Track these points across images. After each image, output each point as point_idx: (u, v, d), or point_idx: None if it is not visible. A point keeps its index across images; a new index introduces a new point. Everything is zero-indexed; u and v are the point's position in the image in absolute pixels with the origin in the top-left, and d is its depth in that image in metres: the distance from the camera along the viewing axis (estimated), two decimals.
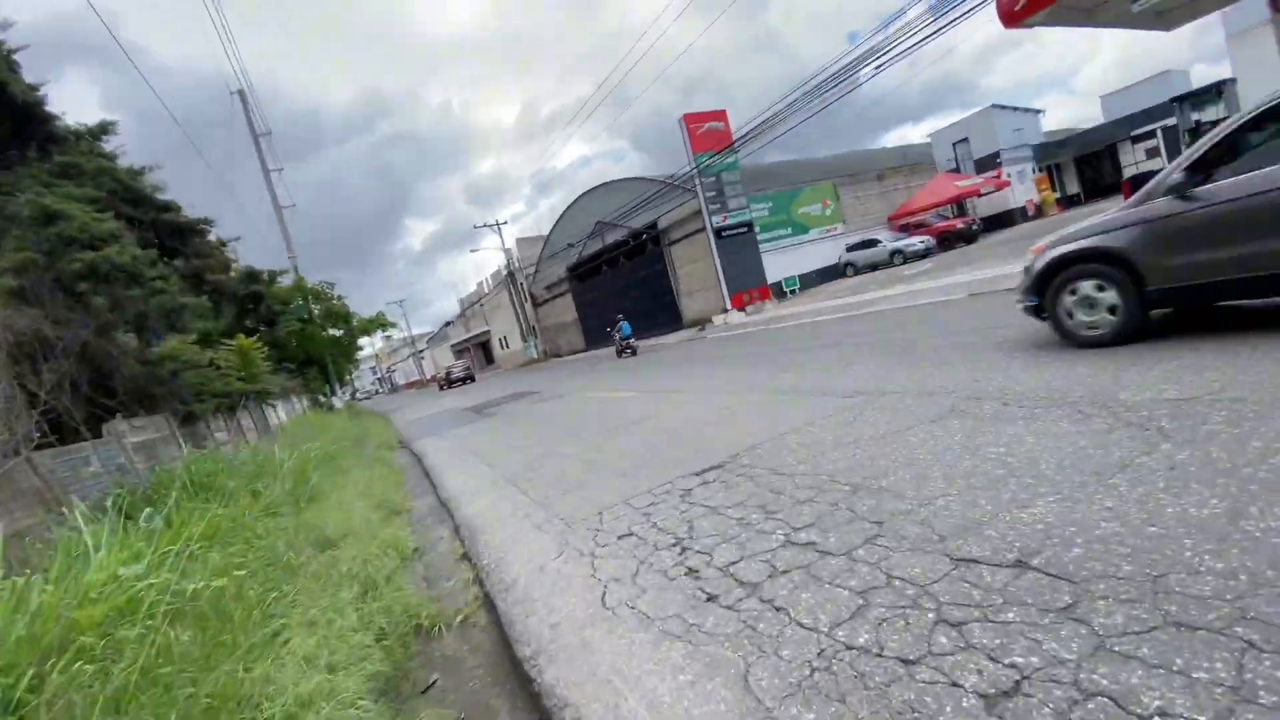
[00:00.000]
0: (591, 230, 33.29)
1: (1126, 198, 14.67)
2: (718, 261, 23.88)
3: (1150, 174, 18.40)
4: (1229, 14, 27.43)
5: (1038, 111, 31.55)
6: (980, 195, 28.45)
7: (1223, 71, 26.79)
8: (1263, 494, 2.16)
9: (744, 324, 20.48)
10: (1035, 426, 3.43)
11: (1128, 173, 29.03)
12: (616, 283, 33.10)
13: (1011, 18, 13.92)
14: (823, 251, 27.60)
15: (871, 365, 6.73)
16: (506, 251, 39.66)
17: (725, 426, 5.57)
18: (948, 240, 24.95)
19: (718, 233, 23.79)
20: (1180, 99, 14.22)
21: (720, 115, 23.80)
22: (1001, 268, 13.33)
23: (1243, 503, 2.14)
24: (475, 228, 41.82)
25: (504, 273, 40.84)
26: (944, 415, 4.12)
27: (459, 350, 60.08)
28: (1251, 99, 14.55)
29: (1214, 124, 13.97)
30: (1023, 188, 29.76)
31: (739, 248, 24.14)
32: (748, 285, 24.23)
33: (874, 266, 25.26)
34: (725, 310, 23.80)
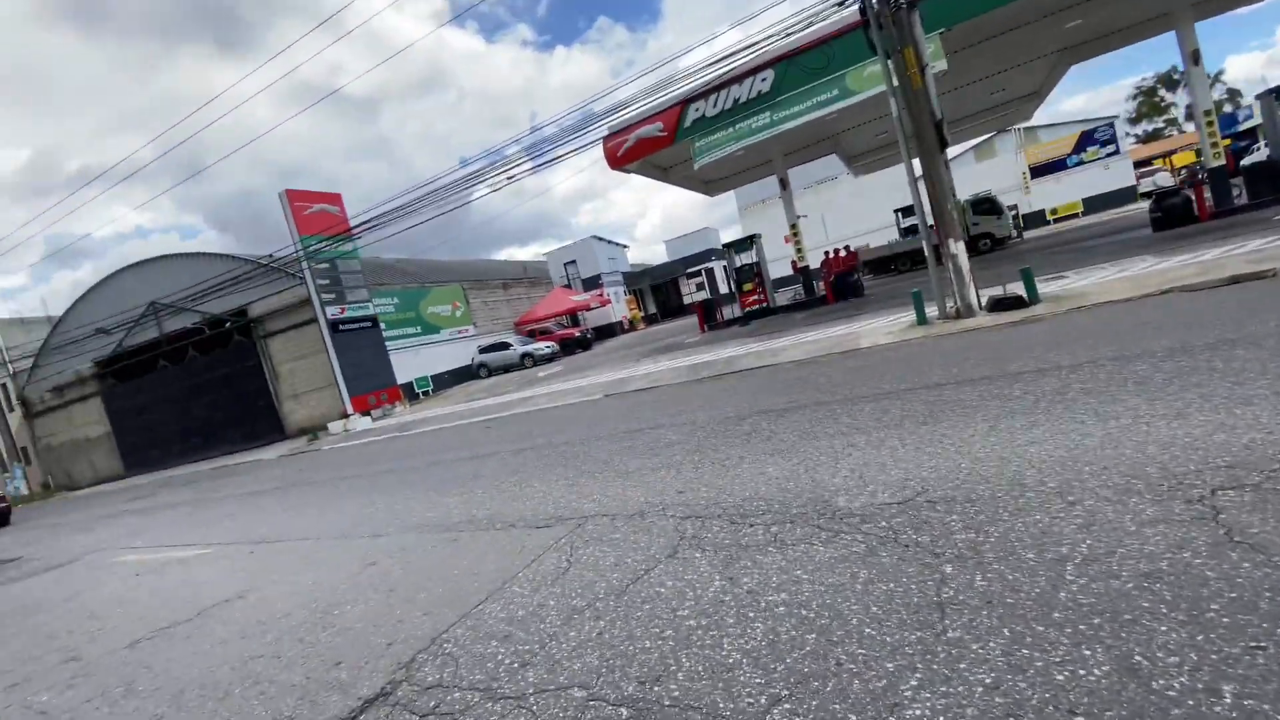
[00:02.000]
0: (143, 313, 24.96)
1: (700, 317, 18.15)
2: (334, 358, 20.43)
3: (706, 300, 23.92)
4: (740, 193, 39.67)
5: (624, 246, 38.73)
6: (590, 309, 32.51)
7: (734, 230, 37.85)
8: (1113, 626, 1.89)
9: (371, 430, 17.61)
10: (791, 555, 2.94)
11: (686, 300, 37.67)
12: (182, 382, 25.23)
13: (615, 161, 16.52)
14: (455, 353, 26.81)
15: (551, 478, 5.83)
16: None
17: (378, 603, 3.73)
18: (569, 346, 27.26)
19: (334, 326, 20.51)
20: (729, 245, 18.73)
21: (334, 198, 21.29)
22: (622, 371, 14.72)
23: (1127, 648, 1.81)
24: None
25: None
26: (678, 547, 3.38)
27: None
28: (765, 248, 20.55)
29: (751, 265, 18.95)
30: (619, 305, 35.39)
31: (361, 344, 21.25)
32: (373, 386, 21.32)
33: (507, 368, 25.61)
34: (346, 415, 20.25)
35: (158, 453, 25.80)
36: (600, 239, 35.66)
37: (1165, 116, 54.86)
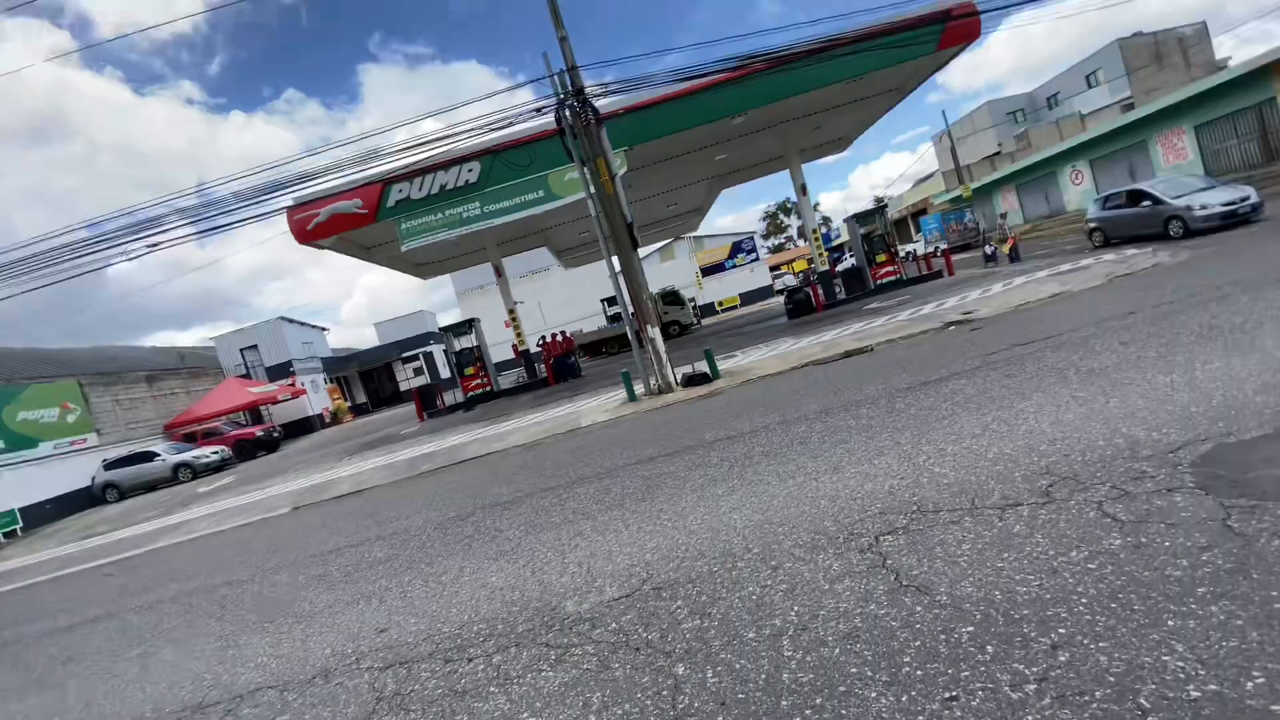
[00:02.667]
0: None
1: (417, 405, 16.76)
2: None
3: (425, 386, 22.39)
4: (457, 278, 38.85)
5: (323, 329, 34.40)
6: (279, 402, 27.54)
7: (454, 314, 36.84)
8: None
9: None
10: (517, 692, 2.47)
11: (403, 386, 34.85)
12: None
13: (305, 235, 14.65)
14: (65, 472, 19.61)
15: (195, 642, 4.25)
16: None
17: None
18: (248, 449, 22.38)
19: None
20: (446, 329, 17.99)
21: None
22: (319, 475, 12.50)
23: None
24: None
25: None
26: (372, 717, 2.60)
27: None
28: (486, 331, 20.24)
29: (472, 349, 18.36)
30: (318, 396, 30.83)
31: None
32: None
33: (152, 486, 19.64)
34: None
35: None
36: (290, 320, 30.99)
37: (785, 235, 73.26)
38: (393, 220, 14.50)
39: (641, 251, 32.04)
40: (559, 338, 20.82)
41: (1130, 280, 9.42)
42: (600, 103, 11.27)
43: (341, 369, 34.61)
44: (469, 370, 18.00)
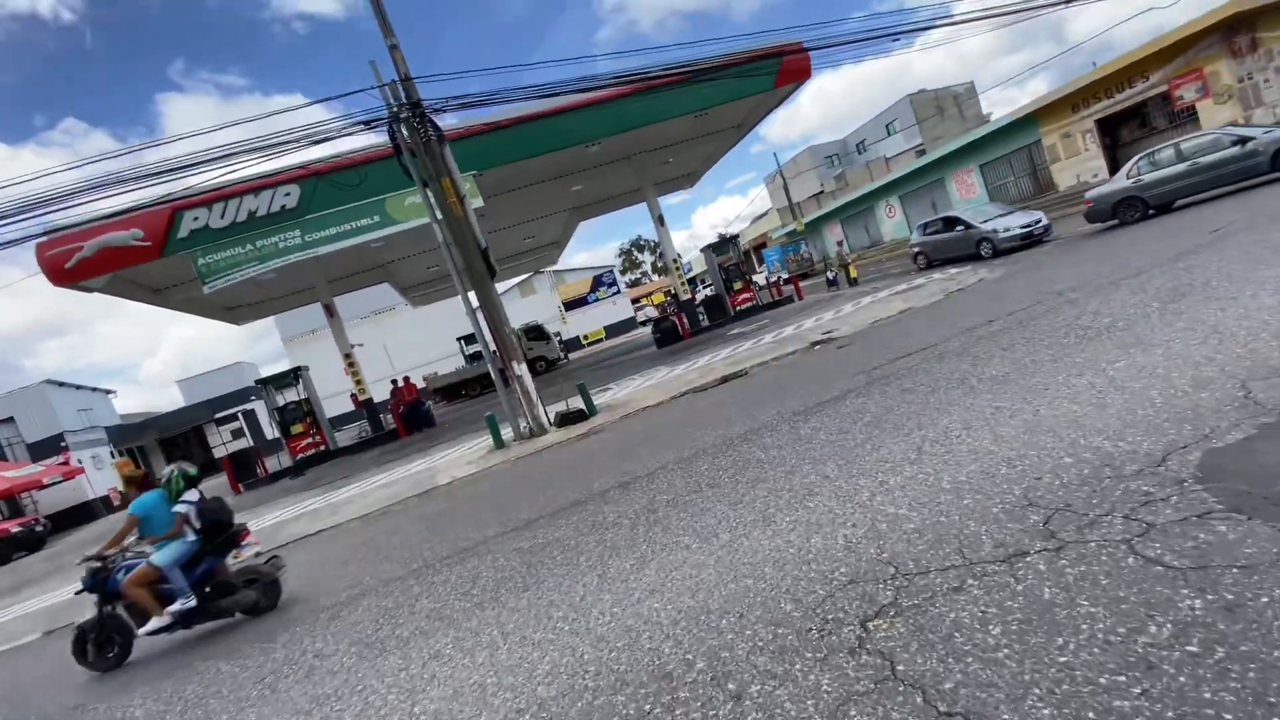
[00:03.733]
0: None
1: (230, 475, 13.79)
2: None
3: (242, 451, 18.83)
4: (283, 323, 34.04)
5: (108, 392, 28.24)
6: (44, 487, 21.73)
7: (282, 365, 32.28)
8: None
9: None
10: None
11: (217, 453, 29.46)
12: None
13: (62, 275, 11.51)
14: None
15: None
16: None
17: None
18: (2, 551, 17.12)
19: None
20: (265, 381, 15.19)
21: None
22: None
23: None
24: None
25: None
26: None
27: None
28: (315, 381, 17.47)
29: (298, 403, 15.62)
30: (100, 474, 24.96)
31: None
32: None
33: None
34: None
35: None
36: (61, 384, 24.91)
37: (640, 270, 75.21)
38: (187, 255, 11.89)
39: (500, 286, 30.56)
40: (403, 384, 18.62)
41: (965, 294, 10.09)
42: (444, 121, 10.08)
43: (135, 438, 28.52)
44: (296, 428, 15.26)
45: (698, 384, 9.58)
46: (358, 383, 16.42)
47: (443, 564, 4.61)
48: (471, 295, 10.03)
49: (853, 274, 17.70)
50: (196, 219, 11.68)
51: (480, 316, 10.03)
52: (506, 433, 9.89)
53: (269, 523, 9.73)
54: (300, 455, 15.49)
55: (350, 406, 20.33)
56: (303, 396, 15.42)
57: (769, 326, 14.26)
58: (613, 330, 38.63)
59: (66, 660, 5.28)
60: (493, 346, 10.20)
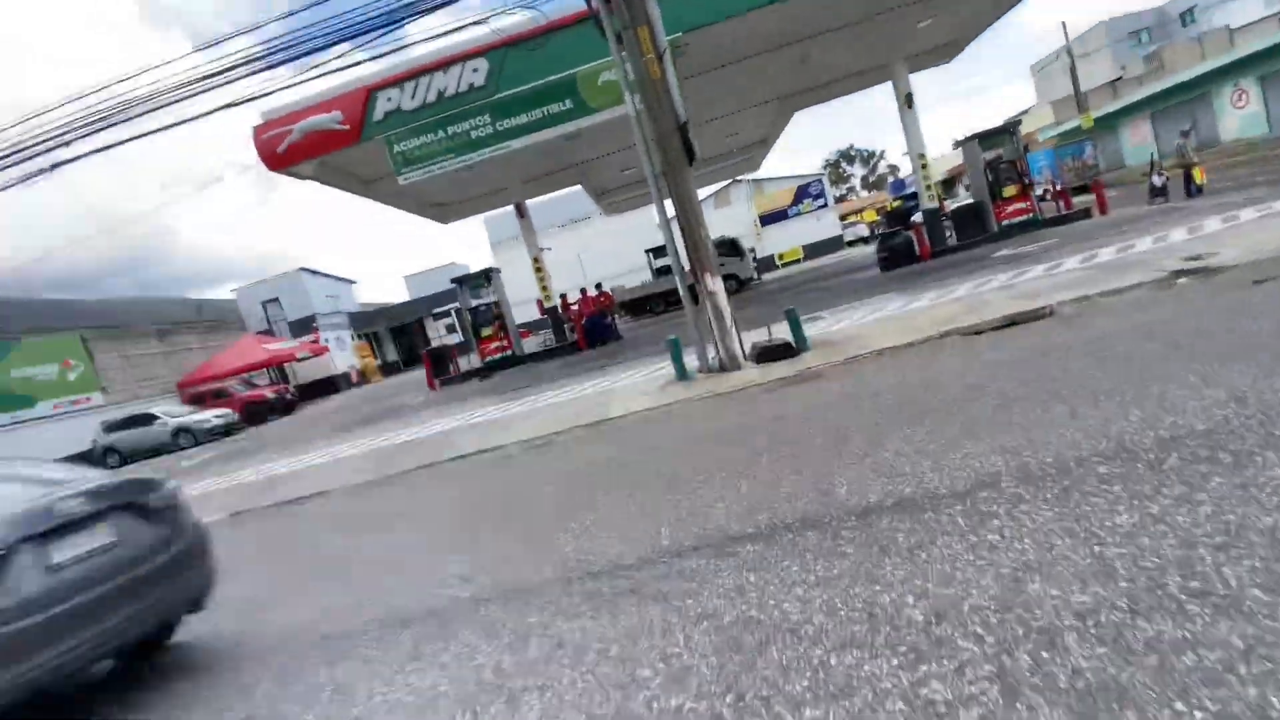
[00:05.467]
0: None
1: (428, 370, 14.05)
2: None
3: (439, 348, 19.82)
4: (492, 227, 36.10)
5: (351, 281, 32.35)
6: (299, 360, 25.74)
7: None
8: None
9: None
10: None
11: (436, 345, 32.72)
12: None
13: (276, 161, 11.84)
14: (69, 432, 18.15)
15: None
16: None
17: None
18: (258, 413, 20.52)
19: None
20: (460, 281, 15.17)
21: None
22: (298, 459, 10.01)
23: None
24: None
25: None
26: None
27: None
28: (507, 283, 17.34)
29: (489, 305, 15.52)
30: (343, 353, 28.97)
31: None
32: None
33: (155, 451, 17.99)
34: None
35: None
36: (313, 272, 28.93)
37: (847, 185, 67.11)
38: (383, 141, 11.52)
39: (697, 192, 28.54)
40: (592, 293, 17.64)
41: None
42: None
43: (370, 325, 32.70)
44: (486, 331, 15.18)
45: (964, 324, 6.65)
46: (543, 288, 15.79)
47: (557, 587, 2.87)
48: (663, 189, 8.01)
49: (1199, 179, 12.20)
50: (390, 99, 11.11)
51: (670, 221, 8.02)
52: (690, 360, 8.03)
53: (441, 429, 9.26)
54: (488, 358, 15.52)
55: (538, 314, 20.26)
56: (494, 299, 15.22)
57: (1061, 248, 10.30)
58: (813, 250, 34.52)
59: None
60: (684, 254, 8.19)
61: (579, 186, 21.87)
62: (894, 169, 60.35)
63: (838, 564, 2.40)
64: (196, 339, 24.73)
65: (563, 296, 17.01)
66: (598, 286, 15.69)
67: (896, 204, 29.73)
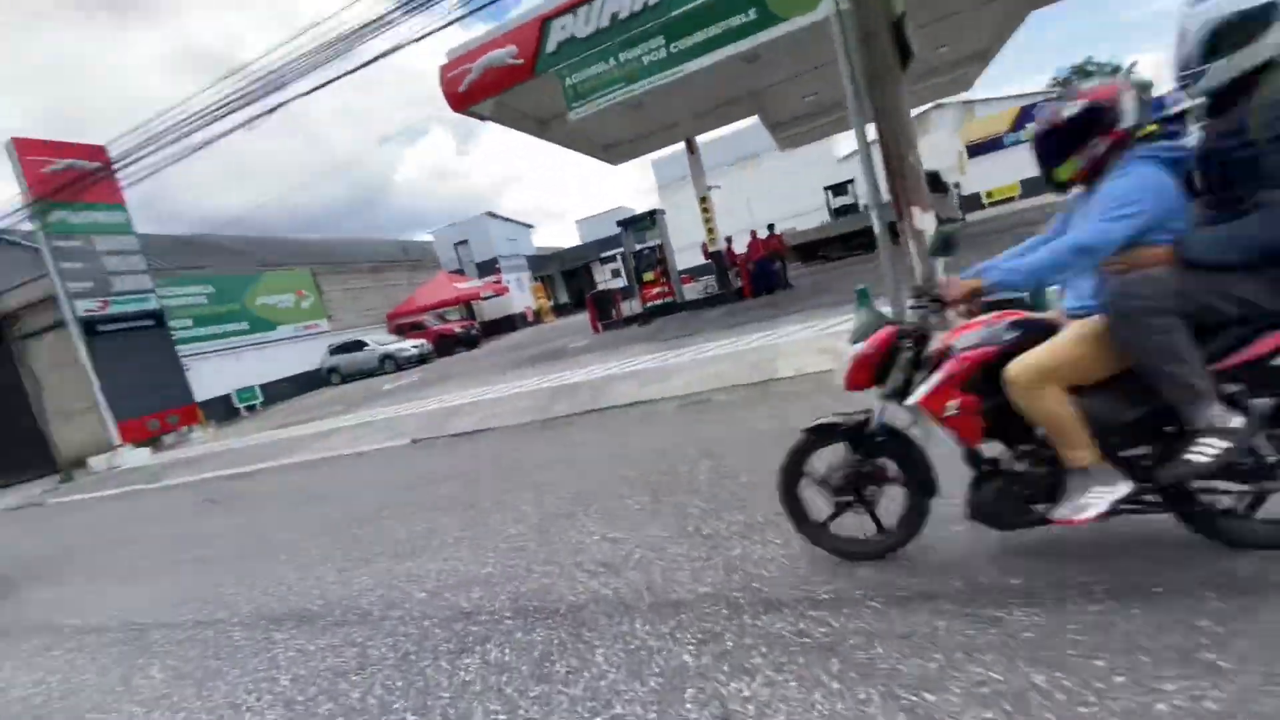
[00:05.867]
0: None
1: (592, 314, 14.02)
2: (90, 370, 15.02)
3: (602, 292, 19.90)
4: (659, 169, 35.66)
5: (529, 226, 34.02)
6: (483, 299, 27.83)
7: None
8: None
9: (129, 474, 12.55)
10: None
11: (603, 288, 33.57)
12: None
13: (459, 101, 12.08)
14: (302, 353, 21.56)
15: None
16: None
17: None
18: (447, 345, 22.59)
19: (88, 326, 15.07)
20: (625, 223, 14.76)
21: (91, 152, 15.63)
22: (469, 392, 10.52)
23: None
24: None
25: None
26: None
27: None
28: (671, 227, 16.64)
29: (652, 249, 15.03)
30: (522, 294, 30.81)
31: (137, 350, 15.88)
32: (158, 406, 16.02)
33: (368, 373, 20.70)
34: (114, 445, 14.96)
35: None
36: (497, 216, 30.81)
37: None
38: (558, 75, 11.15)
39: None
40: (762, 235, 16.23)
41: None
42: None
43: (545, 268, 34.36)
44: (648, 276, 14.72)
45: None
46: (709, 230, 14.83)
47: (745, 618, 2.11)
48: (859, 99, 6.53)
49: None
50: (563, 27, 10.63)
51: (870, 143, 6.54)
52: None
53: (600, 375, 9.00)
54: (649, 304, 15.13)
55: (702, 259, 19.38)
56: (657, 243, 14.65)
57: None
58: (1031, 186, 28.91)
59: (394, 480, 4.72)
60: (881, 184, 6.69)
61: (753, 120, 20.14)
62: (1147, 86, 48.14)
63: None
64: (403, 275, 27.82)
65: (728, 240, 15.88)
66: (769, 228, 14.30)
67: (1153, 129, 23.44)
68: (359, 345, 20.83)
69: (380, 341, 21.07)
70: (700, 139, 17.63)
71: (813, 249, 21.21)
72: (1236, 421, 1.68)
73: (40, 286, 15.73)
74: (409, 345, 20.67)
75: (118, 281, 15.70)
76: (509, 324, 29.26)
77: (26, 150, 14.52)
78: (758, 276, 14.03)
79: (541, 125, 14.72)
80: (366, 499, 5.44)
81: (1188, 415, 1.71)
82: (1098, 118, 1.85)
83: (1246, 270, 1.65)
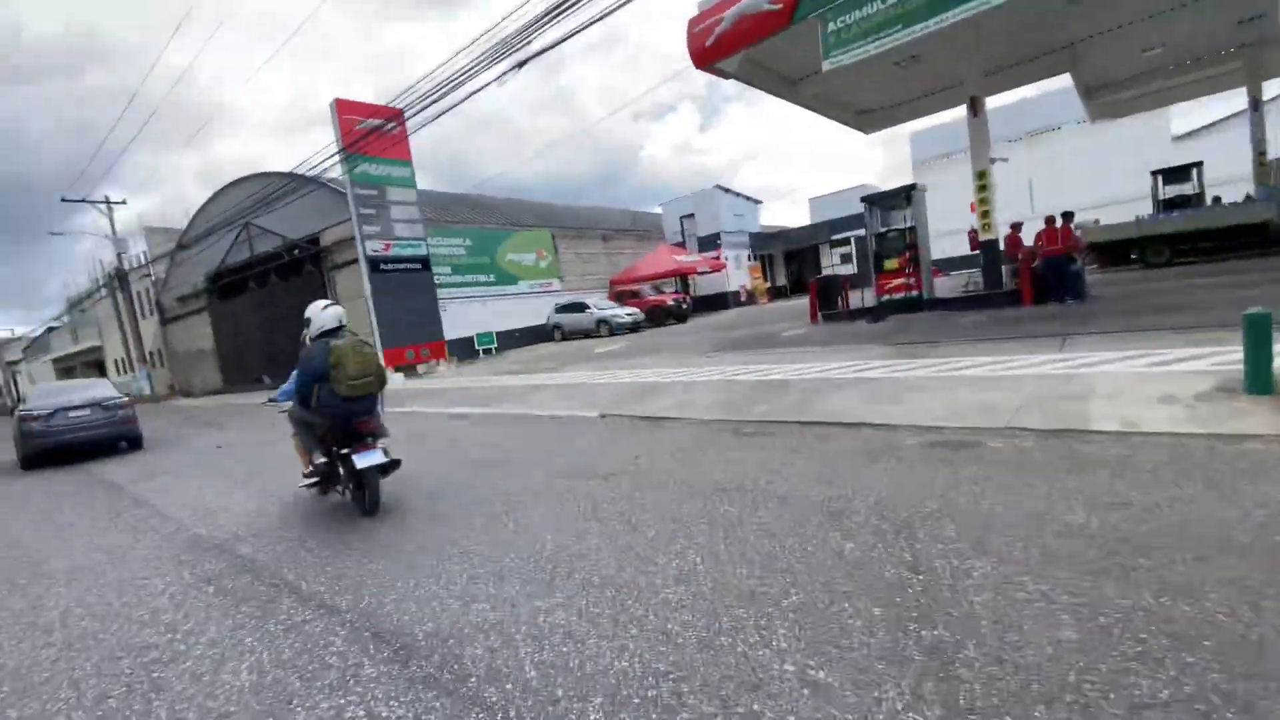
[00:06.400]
0: (239, 232, 24.58)
1: (813, 302, 12.40)
2: (370, 302, 17.79)
3: (829, 278, 17.75)
4: (917, 144, 31.44)
5: (757, 201, 32.53)
6: (698, 273, 27.39)
7: None
8: None
9: (423, 390, 14.55)
10: None
11: (828, 274, 30.90)
12: (266, 309, 24.65)
13: (703, 55, 11.14)
14: (535, 308, 23.39)
15: None
16: (119, 240, 27.95)
17: None
18: (657, 316, 22.59)
19: (374, 264, 17.79)
20: (871, 199, 12.69)
21: (394, 114, 18.18)
22: (674, 370, 9.86)
23: None
24: (65, 201, 27.64)
25: (111, 271, 28.71)
26: None
27: (64, 368, 42.92)
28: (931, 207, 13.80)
29: (901, 233, 12.74)
30: (738, 272, 29.72)
31: (406, 289, 18.41)
32: (416, 339, 18.51)
33: (586, 333, 21.70)
34: None
35: (246, 373, 25.84)
36: (726, 190, 29.87)
37: None
38: (818, 19, 9.60)
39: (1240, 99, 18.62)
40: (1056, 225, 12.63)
41: None
42: None
43: (766, 247, 32.70)
44: (891, 263, 12.45)
45: None
46: (984, 214, 11.96)
47: None
48: None
49: None
50: None
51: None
52: None
53: (812, 374, 7.55)
54: (885, 296, 12.90)
55: (968, 250, 16.12)
56: (909, 224, 12.27)
57: None
58: None
59: (570, 463, 4.15)
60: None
61: (1058, 81, 16.02)
62: None
63: None
64: (629, 244, 28.66)
65: (1013, 227, 12.62)
66: (1064, 217, 10.90)
67: None
68: (581, 307, 21.83)
69: (599, 305, 21.83)
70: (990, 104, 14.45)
71: (1121, 249, 16.39)
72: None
73: (345, 228, 19.00)
74: (624, 312, 21.06)
75: (399, 228, 18.26)
76: (721, 301, 28.48)
77: (344, 110, 17.40)
78: (1046, 277, 10.93)
79: (789, 85, 13.19)
80: (532, 475, 4.96)
81: None
82: None
83: None
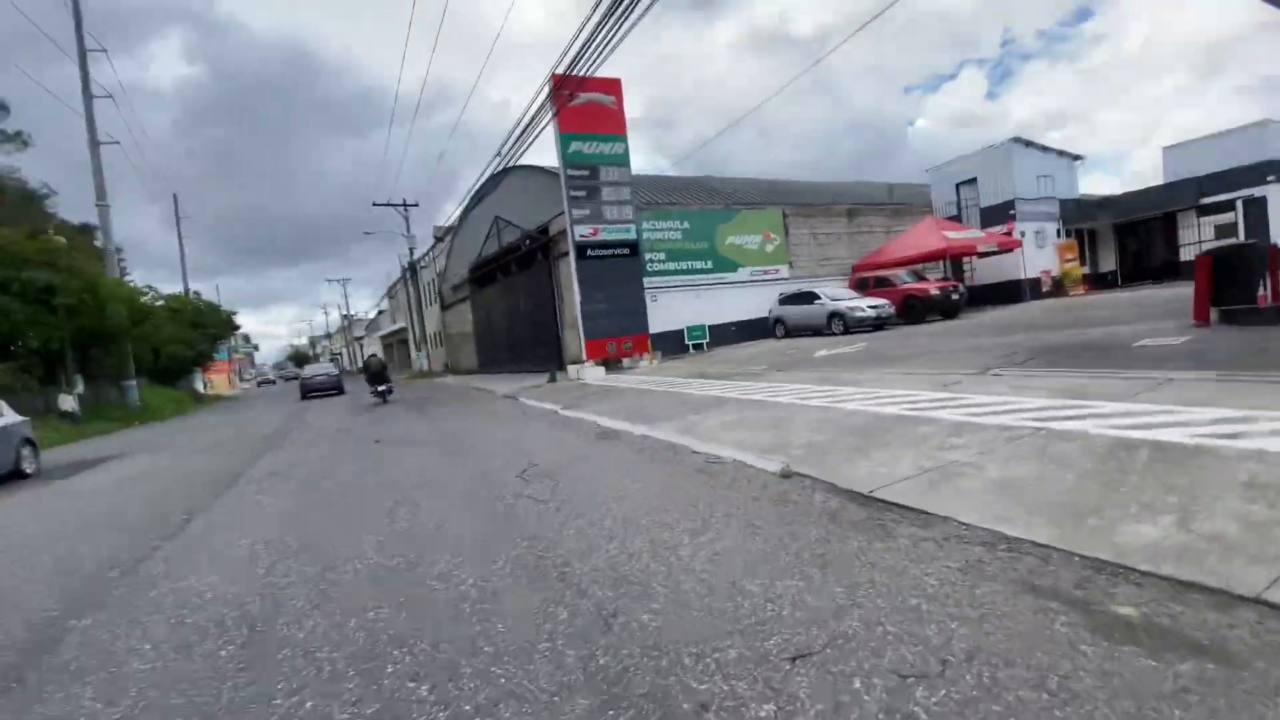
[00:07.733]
0: (489, 227, 26.44)
1: (1201, 289, 7.07)
2: (576, 290, 16.74)
3: (1236, 250, 10.92)
4: None
5: (1075, 157, 24.09)
6: (979, 255, 21.06)
7: None
8: None
9: (601, 389, 13.16)
10: None
11: (1185, 254, 21.41)
12: (508, 297, 26.11)
13: None
14: (757, 298, 20.29)
15: None
16: (409, 238, 32.80)
17: None
18: (914, 308, 17.54)
19: (580, 250, 16.66)
20: None
21: (610, 85, 16.72)
22: (928, 391, 6.08)
23: None
24: (375, 205, 33.57)
25: (404, 264, 33.90)
26: None
27: (385, 345, 53.57)
28: None
29: None
30: (1040, 253, 22.28)
31: (612, 276, 16.96)
32: (620, 330, 17.01)
33: (817, 330, 17.91)
34: (581, 360, 16.62)
35: (496, 357, 27.89)
36: (1028, 143, 22.48)
37: None
38: None
39: None
40: None
41: None
42: None
43: (1088, 218, 24.07)
44: None
45: None
46: None
47: None
48: None
49: None
50: None
51: None
52: None
53: (1218, 430, 3.22)
54: None
55: None
56: None
57: None
58: None
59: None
60: None
61: None
62: None
63: None
64: (882, 221, 23.58)
65: None
66: None
67: None
68: (810, 297, 18.01)
69: (834, 295, 17.73)
70: None
71: None
72: None
73: (565, 218, 18.32)
74: (865, 304, 16.67)
75: (608, 210, 16.86)
76: (1011, 292, 21.57)
77: (562, 85, 16.45)
78: None
79: None
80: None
81: None
82: None
83: None
